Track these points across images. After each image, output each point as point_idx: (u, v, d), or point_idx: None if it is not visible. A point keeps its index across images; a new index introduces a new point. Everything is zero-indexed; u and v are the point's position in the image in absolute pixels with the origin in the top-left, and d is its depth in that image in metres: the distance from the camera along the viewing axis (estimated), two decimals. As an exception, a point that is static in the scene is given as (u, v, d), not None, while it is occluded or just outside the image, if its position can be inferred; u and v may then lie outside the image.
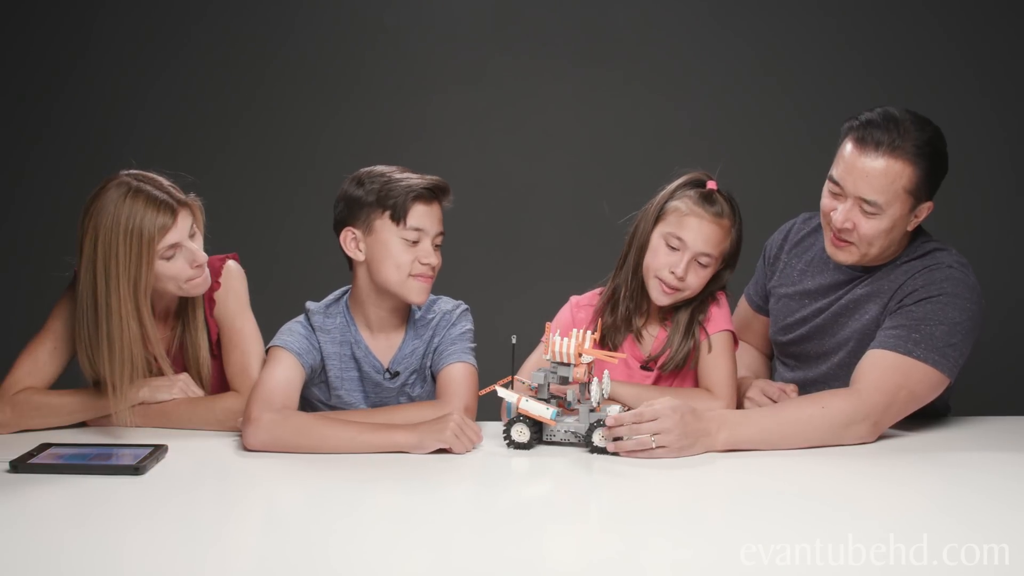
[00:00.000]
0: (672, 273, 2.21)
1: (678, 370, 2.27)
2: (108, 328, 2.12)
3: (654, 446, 1.98)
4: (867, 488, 1.90)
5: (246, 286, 2.33)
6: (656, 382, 2.29)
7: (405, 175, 2.18)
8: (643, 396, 2.13)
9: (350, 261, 2.23)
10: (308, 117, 3.61)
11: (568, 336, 2.06)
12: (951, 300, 2.15)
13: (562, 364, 2.06)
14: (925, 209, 2.19)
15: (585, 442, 2.04)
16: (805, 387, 2.30)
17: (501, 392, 2.09)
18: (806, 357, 2.36)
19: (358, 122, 3.61)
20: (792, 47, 3.49)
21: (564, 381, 2.08)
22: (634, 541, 1.62)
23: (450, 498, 1.86)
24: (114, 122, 3.57)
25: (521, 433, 2.07)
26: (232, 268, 2.33)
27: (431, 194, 2.17)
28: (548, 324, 2.12)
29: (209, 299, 2.29)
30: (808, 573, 1.46)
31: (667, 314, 2.30)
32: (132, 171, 2.17)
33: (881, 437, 2.11)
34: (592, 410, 2.06)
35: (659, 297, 2.25)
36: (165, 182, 2.17)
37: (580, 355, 2.04)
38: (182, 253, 2.15)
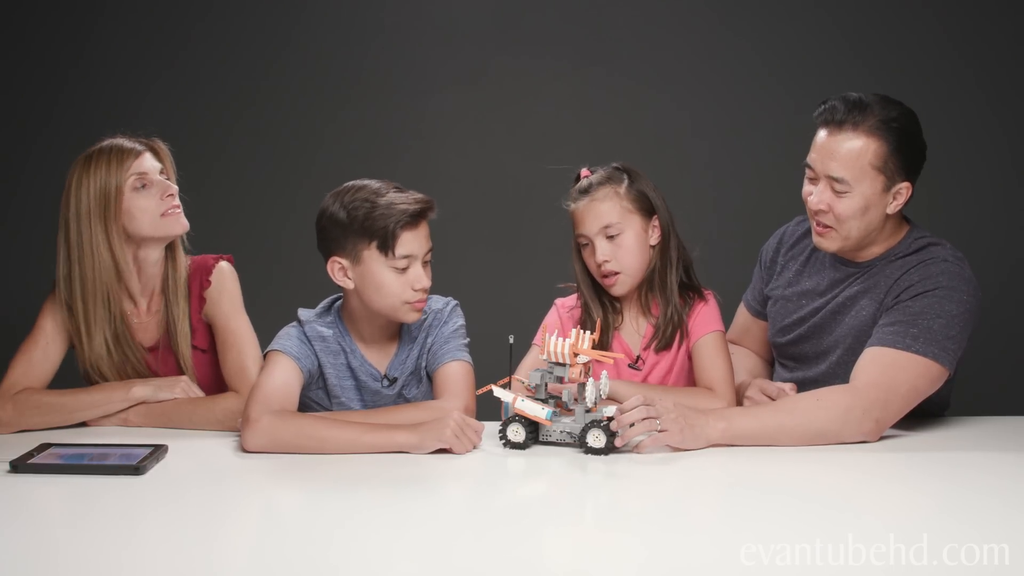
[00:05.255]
0: (598, 266, 2.25)
1: (668, 347, 2.27)
2: (80, 265, 2.19)
3: (658, 429, 2.00)
4: (867, 488, 1.90)
5: (239, 286, 2.35)
6: (645, 379, 2.29)
7: (388, 196, 2.10)
8: (644, 395, 2.12)
9: None
10: (308, 118, 3.61)
11: (567, 336, 2.05)
12: (948, 293, 2.15)
13: (558, 364, 2.06)
14: (904, 190, 2.19)
15: (580, 443, 2.04)
16: (804, 387, 2.30)
17: (497, 392, 2.08)
18: (804, 357, 2.36)
19: (358, 122, 3.61)
20: (793, 49, 3.49)
21: (560, 381, 2.07)
22: (630, 541, 1.62)
23: (446, 498, 1.86)
24: (113, 123, 3.52)
25: (517, 433, 2.06)
26: (224, 268, 2.33)
27: (417, 217, 2.12)
28: (545, 324, 2.11)
29: (198, 297, 2.30)
30: (808, 573, 1.46)
31: (650, 301, 2.30)
32: None
33: (881, 437, 2.11)
34: (588, 411, 2.06)
35: (612, 290, 2.28)
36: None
37: (576, 355, 2.04)
38: (154, 187, 2.21)
